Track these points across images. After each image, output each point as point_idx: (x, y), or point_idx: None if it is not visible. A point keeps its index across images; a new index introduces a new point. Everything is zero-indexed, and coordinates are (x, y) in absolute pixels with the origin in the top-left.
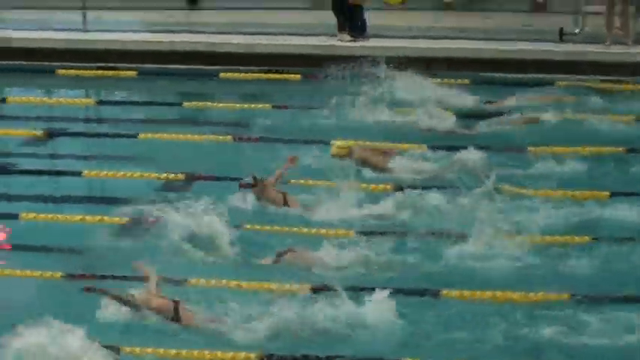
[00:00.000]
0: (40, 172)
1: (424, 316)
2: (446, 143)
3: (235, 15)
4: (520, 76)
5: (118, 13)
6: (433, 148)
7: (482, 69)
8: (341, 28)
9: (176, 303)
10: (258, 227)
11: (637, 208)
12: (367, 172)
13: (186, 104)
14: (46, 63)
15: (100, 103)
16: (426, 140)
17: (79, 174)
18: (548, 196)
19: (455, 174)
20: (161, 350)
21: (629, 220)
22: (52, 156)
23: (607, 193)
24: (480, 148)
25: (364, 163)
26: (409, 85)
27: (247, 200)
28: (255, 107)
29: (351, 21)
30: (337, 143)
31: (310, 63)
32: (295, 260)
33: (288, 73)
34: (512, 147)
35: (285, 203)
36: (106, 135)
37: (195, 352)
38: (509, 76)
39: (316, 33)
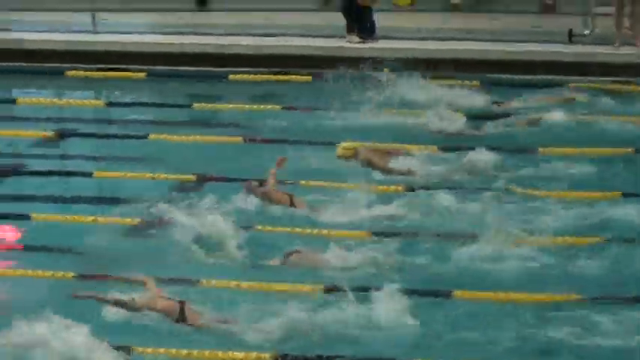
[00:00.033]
0: (50, 173)
1: (435, 316)
2: (456, 144)
3: (244, 16)
4: (529, 77)
5: (127, 15)
6: (443, 149)
7: (490, 70)
8: (350, 29)
9: (182, 304)
10: (268, 228)
11: None
12: (377, 174)
13: (196, 105)
14: (56, 64)
15: (110, 104)
16: (436, 141)
17: (89, 175)
18: (559, 197)
19: (465, 175)
20: (173, 350)
21: None
22: (63, 157)
23: (617, 194)
24: (490, 149)
25: (369, 164)
26: (418, 86)
27: (256, 202)
28: (265, 108)
29: (360, 22)
30: (343, 145)
31: (319, 64)
32: (303, 261)
33: (297, 74)
34: (523, 148)
35: (292, 205)
36: (116, 136)
37: (207, 353)
38: (518, 77)
39: (325, 34)
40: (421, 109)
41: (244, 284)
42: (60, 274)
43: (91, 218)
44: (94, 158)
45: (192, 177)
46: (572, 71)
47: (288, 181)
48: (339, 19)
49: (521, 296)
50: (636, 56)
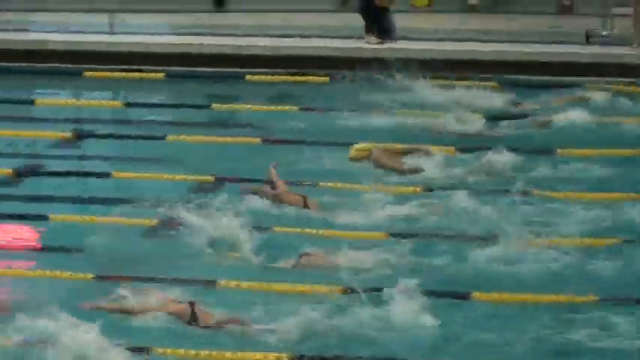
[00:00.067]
0: (68, 174)
1: (454, 318)
2: (474, 145)
3: (262, 17)
4: (547, 78)
5: (145, 16)
6: (461, 150)
7: (507, 71)
8: (368, 30)
9: (192, 305)
10: (285, 229)
11: None
12: (394, 175)
13: (214, 106)
14: (74, 65)
15: (128, 105)
16: (455, 143)
17: (107, 175)
18: (577, 198)
19: (483, 176)
20: (192, 352)
21: None
22: (81, 157)
23: (636, 195)
24: (508, 150)
25: (381, 165)
26: (436, 87)
27: (270, 203)
28: (283, 109)
29: (379, 23)
30: (355, 146)
31: (337, 65)
32: (318, 262)
33: (316, 75)
34: (541, 149)
35: (306, 206)
36: (134, 137)
37: (228, 354)
38: (536, 78)
39: (342, 35)
40: (439, 110)
41: (259, 285)
42: (79, 274)
43: (108, 219)
44: (112, 159)
45: (210, 178)
46: (589, 72)
47: (306, 182)
48: (356, 20)
49: (540, 297)
50: None
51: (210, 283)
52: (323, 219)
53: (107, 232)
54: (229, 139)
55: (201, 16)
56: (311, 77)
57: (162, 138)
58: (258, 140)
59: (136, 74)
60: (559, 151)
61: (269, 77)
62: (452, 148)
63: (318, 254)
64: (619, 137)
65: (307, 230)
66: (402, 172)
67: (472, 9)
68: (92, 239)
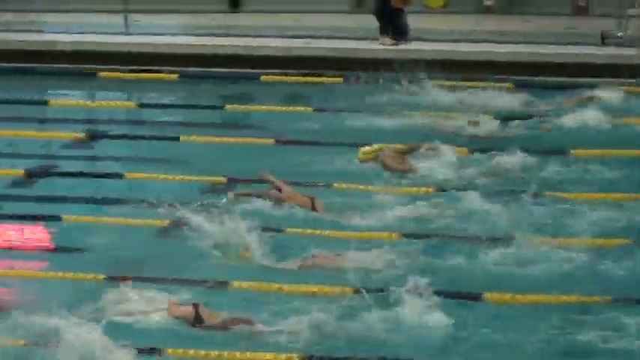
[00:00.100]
0: (82, 174)
1: (465, 318)
2: (487, 146)
3: (276, 18)
4: (562, 79)
5: (160, 17)
6: (474, 151)
7: (522, 72)
8: (383, 31)
9: (195, 306)
10: (295, 230)
11: None
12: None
13: (228, 107)
14: (89, 66)
15: (142, 105)
16: (467, 143)
17: (120, 176)
18: (589, 199)
19: (496, 177)
20: (202, 352)
21: None
22: (94, 158)
23: None
24: (521, 151)
25: (387, 167)
26: (450, 88)
27: (280, 204)
28: (297, 110)
29: (393, 24)
30: (363, 149)
31: (351, 66)
32: (328, 263)
33: (330, 76)
34: (554, 150)
35: (314, 208)
36: (147, 137)
37: (238, 354)
38: (551, 79)
39: (356, 37)
40: (453, 111)
41: (268, 286)
42: (91, 275)
43: (121, 220)
44: (125, 160)
45: (223, 179)
46: (604, 73)
47: (320, 183)
48: (369, 21)
49: (551, 298)
50: None
51: (222, 284)
52: (333, 220)
53: (120, 233)
54: (242, 139)
55: (216, 17)
56: (326, 78)
57: (176, 139)
58: (271, 141)
59: (151, 75)
60: (572, 151)
61: (283, 78)
62: (465, 149)
63: (328, 255)
64: (631, 138)
65: (317, 232)
66: (408, 174)
67: (487, 10)
68: (104, 240)
